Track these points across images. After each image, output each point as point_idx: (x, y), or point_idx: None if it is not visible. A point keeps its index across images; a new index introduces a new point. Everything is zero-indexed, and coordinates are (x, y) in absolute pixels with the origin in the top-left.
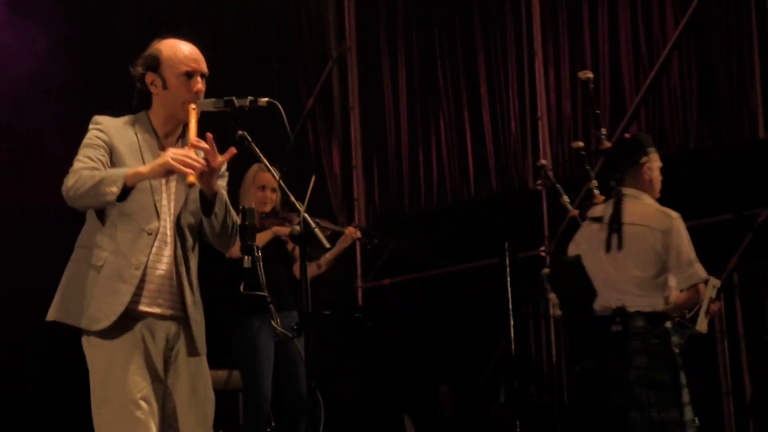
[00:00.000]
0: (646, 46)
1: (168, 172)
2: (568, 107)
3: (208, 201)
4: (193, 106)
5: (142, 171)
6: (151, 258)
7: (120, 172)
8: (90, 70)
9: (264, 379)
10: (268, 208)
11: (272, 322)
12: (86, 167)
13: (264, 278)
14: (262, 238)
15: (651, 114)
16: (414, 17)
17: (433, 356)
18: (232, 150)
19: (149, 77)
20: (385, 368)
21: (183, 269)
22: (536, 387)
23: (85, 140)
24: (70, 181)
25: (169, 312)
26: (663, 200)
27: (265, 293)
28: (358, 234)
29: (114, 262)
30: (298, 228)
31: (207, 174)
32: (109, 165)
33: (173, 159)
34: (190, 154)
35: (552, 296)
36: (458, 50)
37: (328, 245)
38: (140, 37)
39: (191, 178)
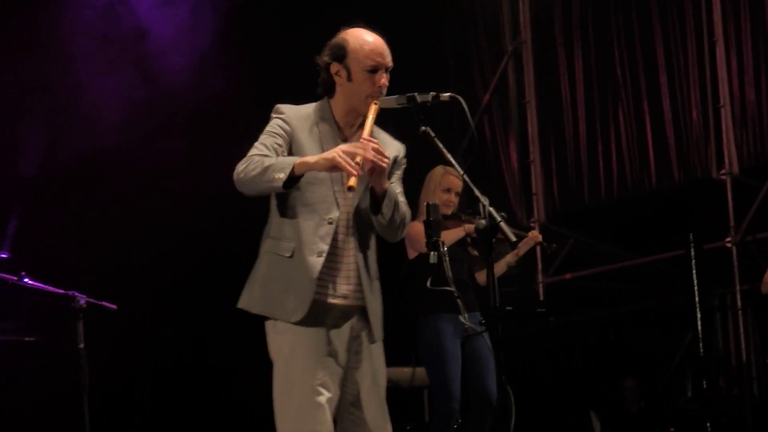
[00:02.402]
0: None
1: (333, 167)
2: (751, 94)
3: (376, 199)
4: (375, 102)
5: (310, 161)
6: (335, 247)
7: (289, 159)
8: (260, 64)
9: (453, 380)
10: (449, 211)
11: (460, 317)
12: (259, 153)
13: (451, 273)
14: (452, 235)
15: None
16: (589, 7)
17: (618, 350)
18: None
19: (334, 67)
20: (569, 363)
21: (362, 258)
22: (725, 380)
23: (267, 128)
24: (241, 165)
25: (353, 302)
26: None
27: (452, 288)
28: (540, 237)
29: (300, 251)
30: (483, 222)
31: (377, 173)
32: (287, 154)
33: (340, 156)
34: (358, 151)
35: None
36: (636, 39)
37: (514, 238)
38: (315, 31)
39: (352, 181)
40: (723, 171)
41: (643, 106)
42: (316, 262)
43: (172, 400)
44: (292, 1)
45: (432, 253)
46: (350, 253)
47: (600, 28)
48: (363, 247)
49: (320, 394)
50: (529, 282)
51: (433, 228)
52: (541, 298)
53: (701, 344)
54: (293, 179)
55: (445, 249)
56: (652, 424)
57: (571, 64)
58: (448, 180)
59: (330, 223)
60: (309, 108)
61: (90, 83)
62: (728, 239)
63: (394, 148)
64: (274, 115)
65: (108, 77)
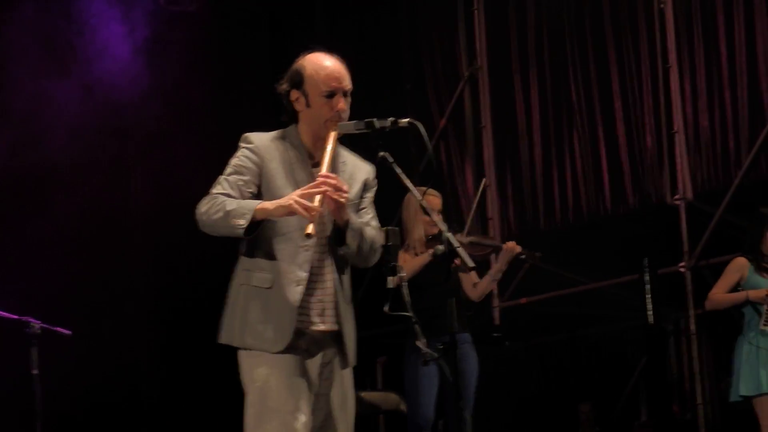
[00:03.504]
0: None
1: (291, 213)
2: (705, 120)
3: (340, 231)
4: (334, 129)
5: (269, 208)
6: (312, 273)
7: (249, 205)
8: (222, 88)
9: (426, 403)
10: (435, 231)
11: (417, 343)
12: (222, 192)
13: (409, 298)
14: (418, 261)
15: None
16: (545, 33)
17: (574, 375)
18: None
19: (293, 94)
20: (525, 388)
21: (338, 282)
22: (678, 404)
23: (233, 160)
24: (204, 206)
25: (329, 327)
26: None
27: (410, 314)
28: (518, 249)
29: (278, 281)
30: (441, 248)
31: (336, 207)
32: (256, 187)
33: (297, 202)
34: (313, 192)
35: None
36: (591, 65)
37: (471, 265)
38: (277, 55)
39: (310, 229)
40: (677, 196)
41: (597, 131)
42: (296, 291)
43: (127, 427)
44: (248, 10)
45: (389, 278)
46: (327, 278)
47: (555, 55)
48: (339, 271)
49: (296, 419)
50: (485, 306)
51: (390, 253)
52: (497, 322)
53: (656, 369)
54: (254, 225)
55: (403, 274)
56: None
57: (527, 89)
58: (431, 201)
59: (306, 250)
60: (278, 134)
61: (35, 95)
62: (682, 264)
63: (363, 171)
64: (242, 145)
65: (53, 89)
